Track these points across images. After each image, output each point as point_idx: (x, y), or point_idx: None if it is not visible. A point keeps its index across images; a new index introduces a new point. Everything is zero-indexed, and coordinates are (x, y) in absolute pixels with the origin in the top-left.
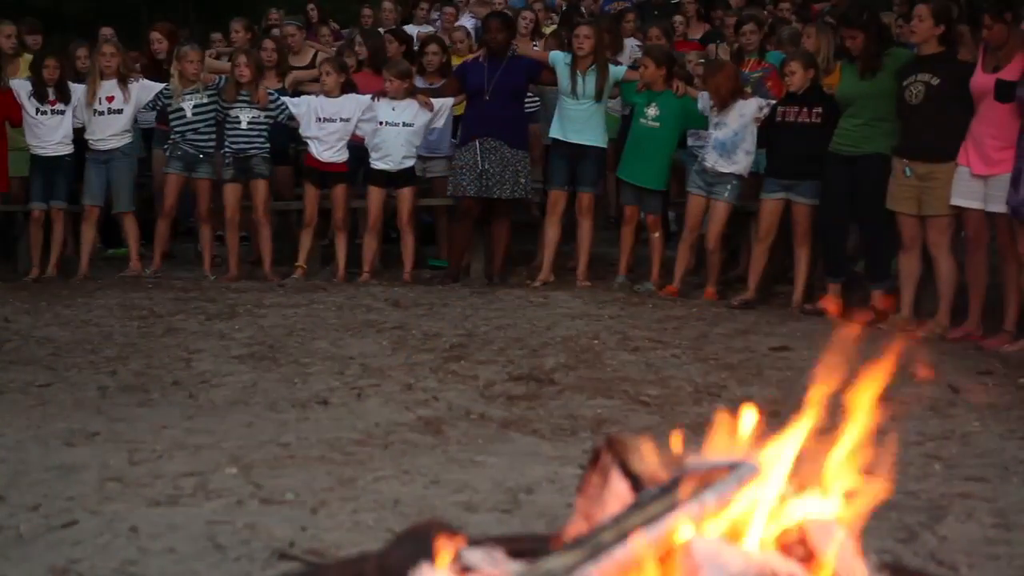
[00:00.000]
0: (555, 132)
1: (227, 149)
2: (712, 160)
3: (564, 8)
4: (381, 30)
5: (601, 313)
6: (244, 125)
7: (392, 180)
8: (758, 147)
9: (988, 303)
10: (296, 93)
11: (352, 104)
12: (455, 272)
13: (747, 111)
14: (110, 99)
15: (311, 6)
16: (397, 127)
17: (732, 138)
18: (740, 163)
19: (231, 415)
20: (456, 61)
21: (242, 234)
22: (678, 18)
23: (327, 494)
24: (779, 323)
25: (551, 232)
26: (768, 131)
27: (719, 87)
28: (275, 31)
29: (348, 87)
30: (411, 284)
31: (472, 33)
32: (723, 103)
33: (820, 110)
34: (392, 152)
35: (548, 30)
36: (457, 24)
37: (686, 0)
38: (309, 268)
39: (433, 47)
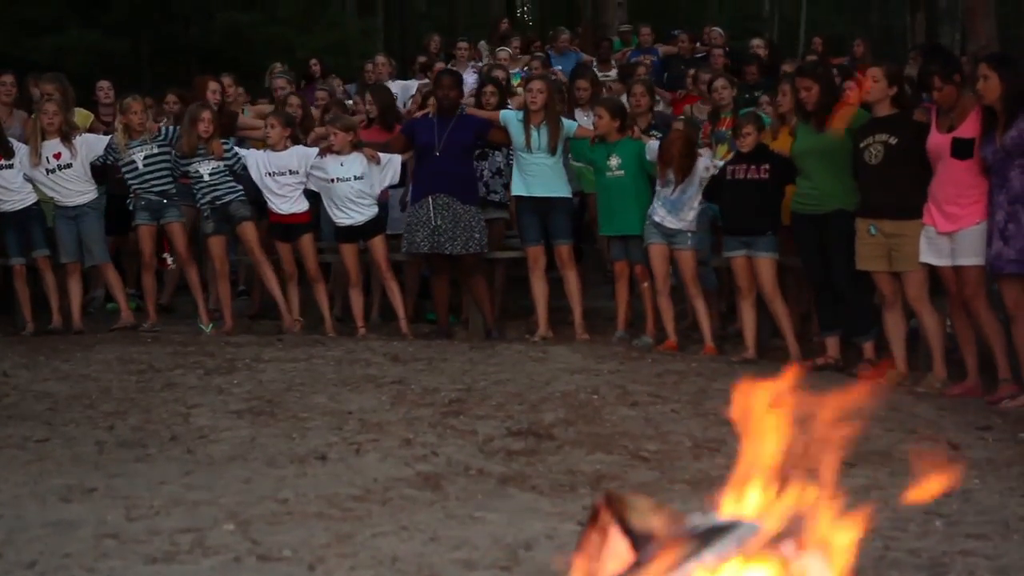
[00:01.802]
0: (517, 189)
1: (202, 203)
2: (661, 216)
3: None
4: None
5: (600, 368)
6: (207, 178)
7: (360, 232)
8: (709, 201)
9: (984, 357)
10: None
11: (298, 156)
12: (444, 328)
13: (696, 168)
14: (57, 156)
15: (313, 61)
16: (348, 181)
17: (680, 196)
18: (687, 219)
19: (229, 471)
20: None
21: (241, 288)
22: (692, 72)
23: (325, 551)
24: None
25: (538, 288)
26: (719, 190)
27: (675, 162)
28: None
29: (294, 140)
30: (410, 338)
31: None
32: (684, 173)
33: (768, 166)
34: (348, 206)
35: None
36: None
37: (714, 54)
38: (306, 321)
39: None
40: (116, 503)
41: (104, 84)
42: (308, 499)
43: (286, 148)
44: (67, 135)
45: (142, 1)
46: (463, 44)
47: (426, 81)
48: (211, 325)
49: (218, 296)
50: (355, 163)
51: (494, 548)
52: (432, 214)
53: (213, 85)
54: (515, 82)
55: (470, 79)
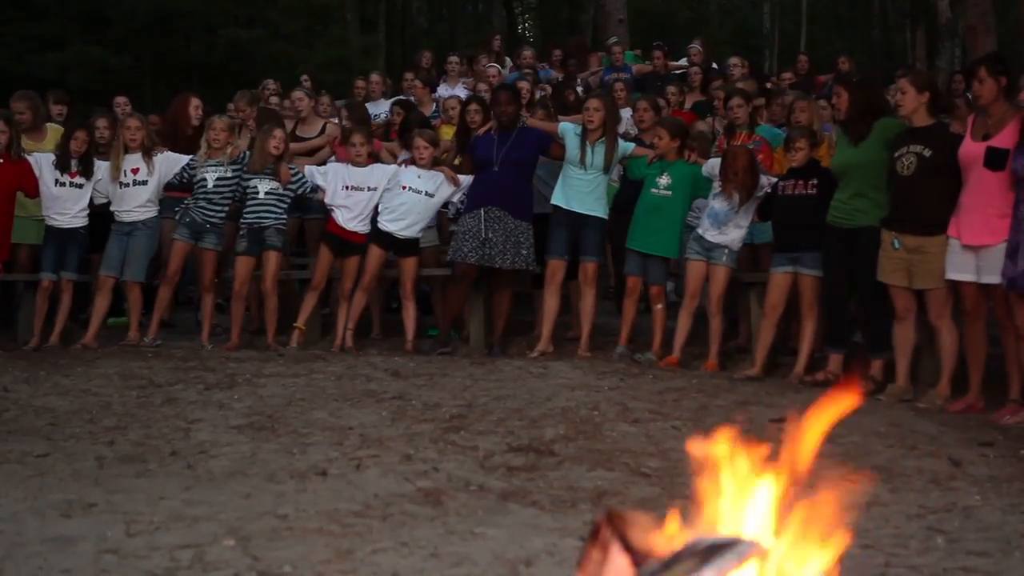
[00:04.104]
0: (557, 200)
1: (243, 221)
2: (703, 228)
3: (558, 80)
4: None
5: (601, 384)
6: (261, 195)
7: (396, 245)
8: (763, 220)
9: (986, 373)
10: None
11: (379, 174)
12: (445, 339)
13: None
14: (135, 171)
15: (305, 77)
16: (420, 195)
17: (727, 212)
18: (729, 235)
19: (229, 486)
20: (446, 131)
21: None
22: (671, 88)
23: (325, 567)
24: (779, 394)
25: (551, 302)
26: (770, 206)
27: (739, 179)
28: (273, 99)
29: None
30: (410, 354)
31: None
32: (749, 191)
33: (815, 181)
34: (405, 217)
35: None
36: (450, 95)
37: (691, 71)
38: (308, 336)
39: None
40: (116, 518)
41: (121, 100)
42: (308, 515)
43: (369, 164)
44: (149, 151)
45: (144, 18)
46: (454, 59)
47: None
48: (211, 345)
49: (220, 310)
50: (432, 180)
51: (495, 564)
52: (482, 226)
53: (195, 102)
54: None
55: (461, 94)
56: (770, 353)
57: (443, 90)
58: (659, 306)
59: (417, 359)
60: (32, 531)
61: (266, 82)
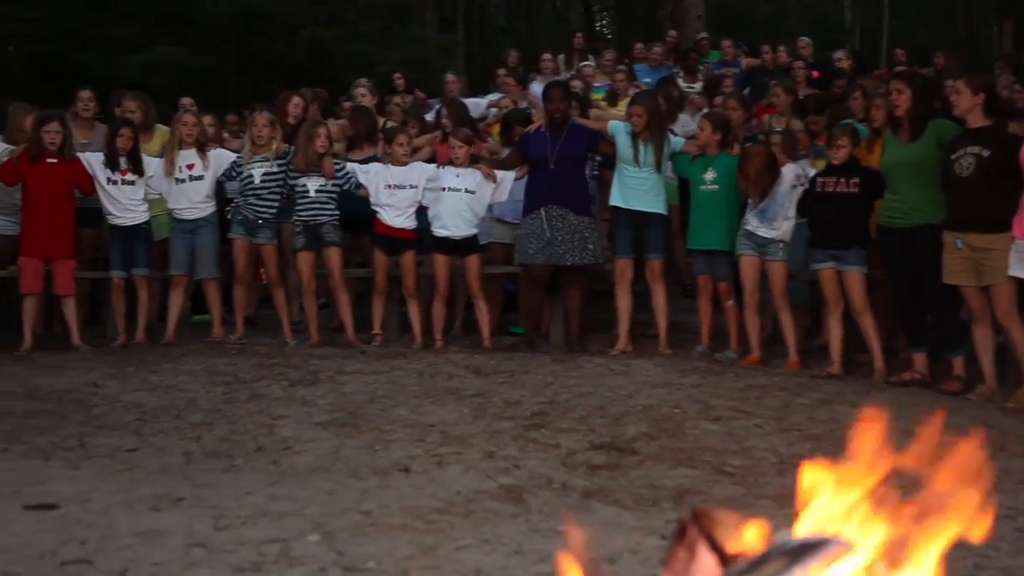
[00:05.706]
0: (616, 200)
1: (296, 218)
2: (753, 225)
3: (679, 75)
4: None
5: (682, 382)
6: (312, 193)
7: (456, 247)
8: (799, 217)
9: None
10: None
11: (419, 171)
12: (530, 340)
13: (785, 179)
14: (190, 167)
15: (397, 75)
16: (459, 193)
17: (771, 205)
18: (780, 228)
19: (313, 481)
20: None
21: (322, 300)
22: (775, 83)
23: (408, 563)
24: (864, 393)
25: (623, 301)
26: (808, 202)
27: (753, 179)
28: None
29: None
30: (491, 351)
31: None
32: (764, 194)
33: (858, 180)
34: (453, 218)
35: (623, 102)
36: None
37: (796, 66)
38: (388, 334)
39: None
40: (204, 513)
41: (186, 101)
42: (391, 511)
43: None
44: (203, 147)
45: (226, 18)
46: (547, 56)
47: (497, 97)
48: (295, 341)
49: (302, 309)
50: (470, 177)
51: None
52: (546, 226)
53: (296, 100)
54: (598, 95)
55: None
56: (852, 352)
57: (536, 87)
58: (729, 303)
59: (498, 356)
60: (123, 524)
61: (359, 81)
